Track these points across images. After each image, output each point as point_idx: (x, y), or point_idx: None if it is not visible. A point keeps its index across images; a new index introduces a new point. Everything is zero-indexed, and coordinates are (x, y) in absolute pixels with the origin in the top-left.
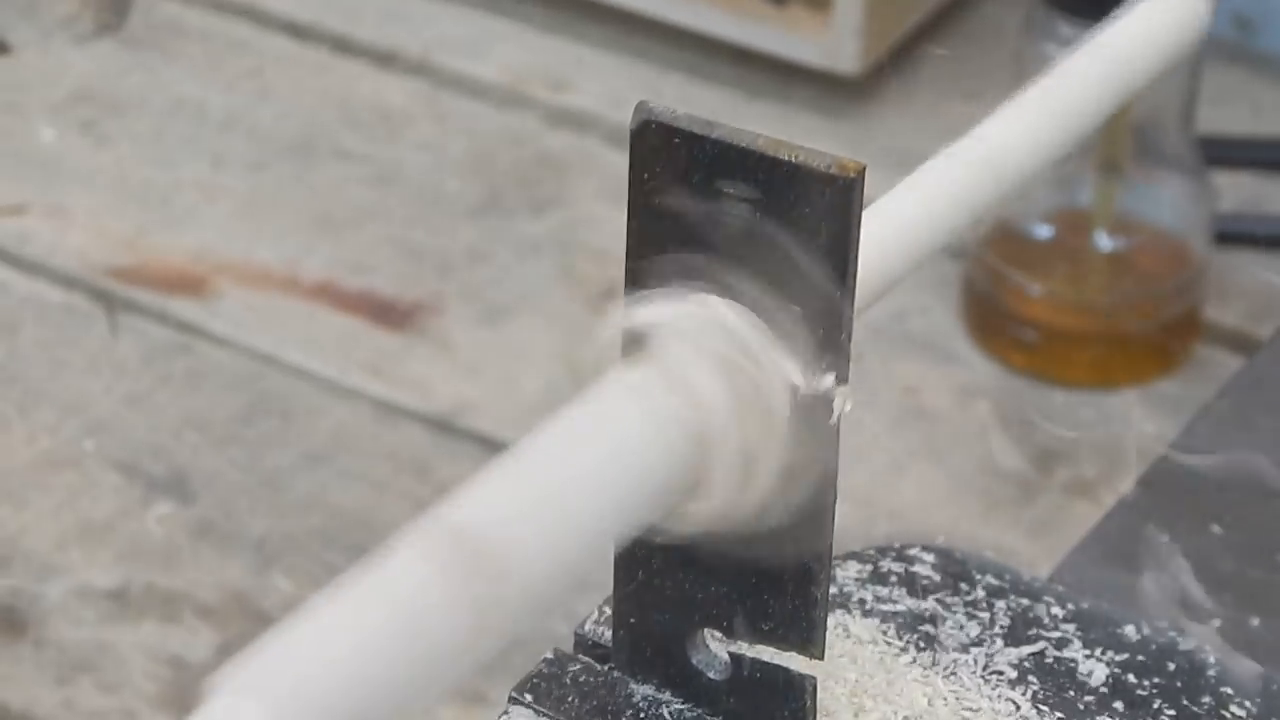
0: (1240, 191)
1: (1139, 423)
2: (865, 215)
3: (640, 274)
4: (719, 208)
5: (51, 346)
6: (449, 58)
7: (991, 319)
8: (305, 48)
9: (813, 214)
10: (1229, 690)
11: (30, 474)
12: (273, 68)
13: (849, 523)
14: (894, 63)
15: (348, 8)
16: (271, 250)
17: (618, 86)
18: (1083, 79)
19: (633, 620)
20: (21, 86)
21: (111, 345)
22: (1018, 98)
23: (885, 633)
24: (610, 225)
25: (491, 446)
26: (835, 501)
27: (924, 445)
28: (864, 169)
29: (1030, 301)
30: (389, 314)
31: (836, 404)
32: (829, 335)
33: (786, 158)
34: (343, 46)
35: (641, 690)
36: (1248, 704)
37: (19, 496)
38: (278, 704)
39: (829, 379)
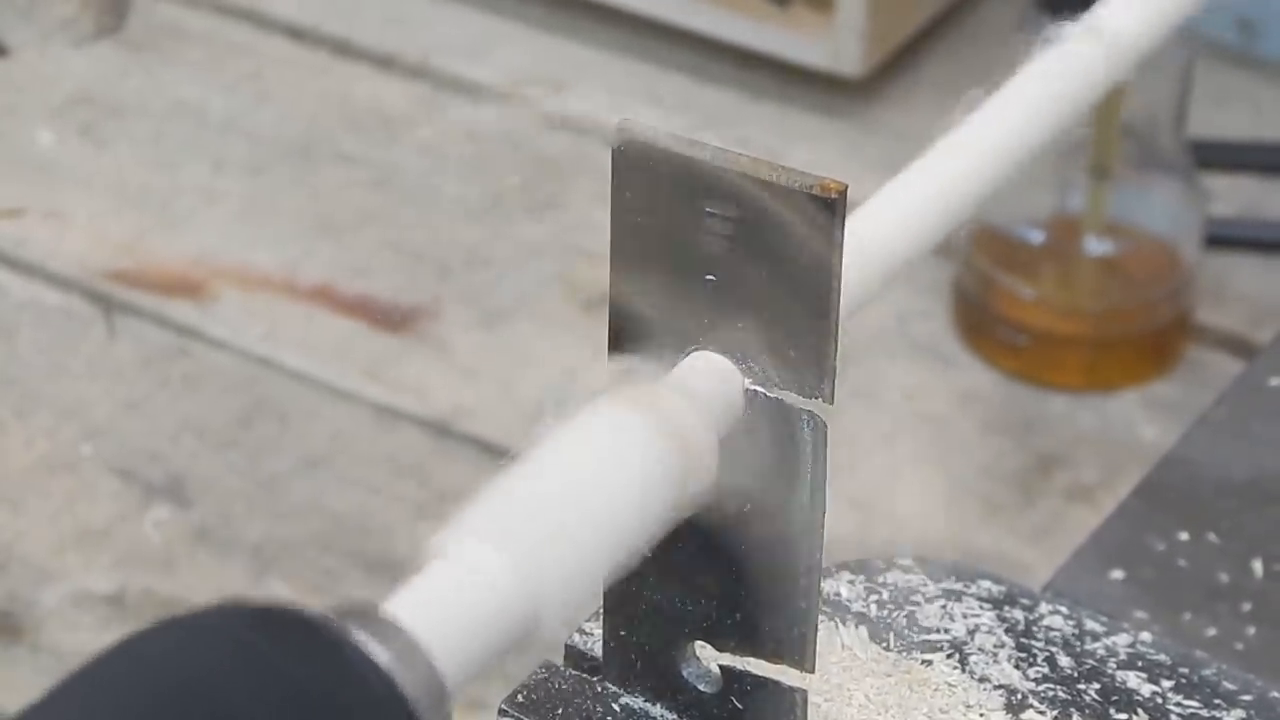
0: (1240, 195)
1: (1138, 427)
2: (849, 222)
3: (624, 291)
4: (702, 226)
5: (49, 350)
6: (449, 60)
7: (983, 323)
8: (305, 50)
9: (795, 233)
10: (1224, 699)
11: (27, 478)
12: (272, 70)
13: (848, 527)
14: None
15: (348, 10)
16: (270, 253)
17: (618, 89)
18: (1052, 83)
19: (623, 633)
20: (20, 89)
21: (109, 349)
22: (995, 98)
23: (877, 643)
24: (609, 229)
25: (490, 451)
26: (825, 515)
27: (923, 450)
28: (845, 189)
29: (1021, 305)
30: (387, 317)
31: (821, 420)
32: (814, 352)
33: (768, 178)
34: (343, 49)
35: (632, 703)
36: (1243, 712)
37: (16, 501)
38: (513, 547)
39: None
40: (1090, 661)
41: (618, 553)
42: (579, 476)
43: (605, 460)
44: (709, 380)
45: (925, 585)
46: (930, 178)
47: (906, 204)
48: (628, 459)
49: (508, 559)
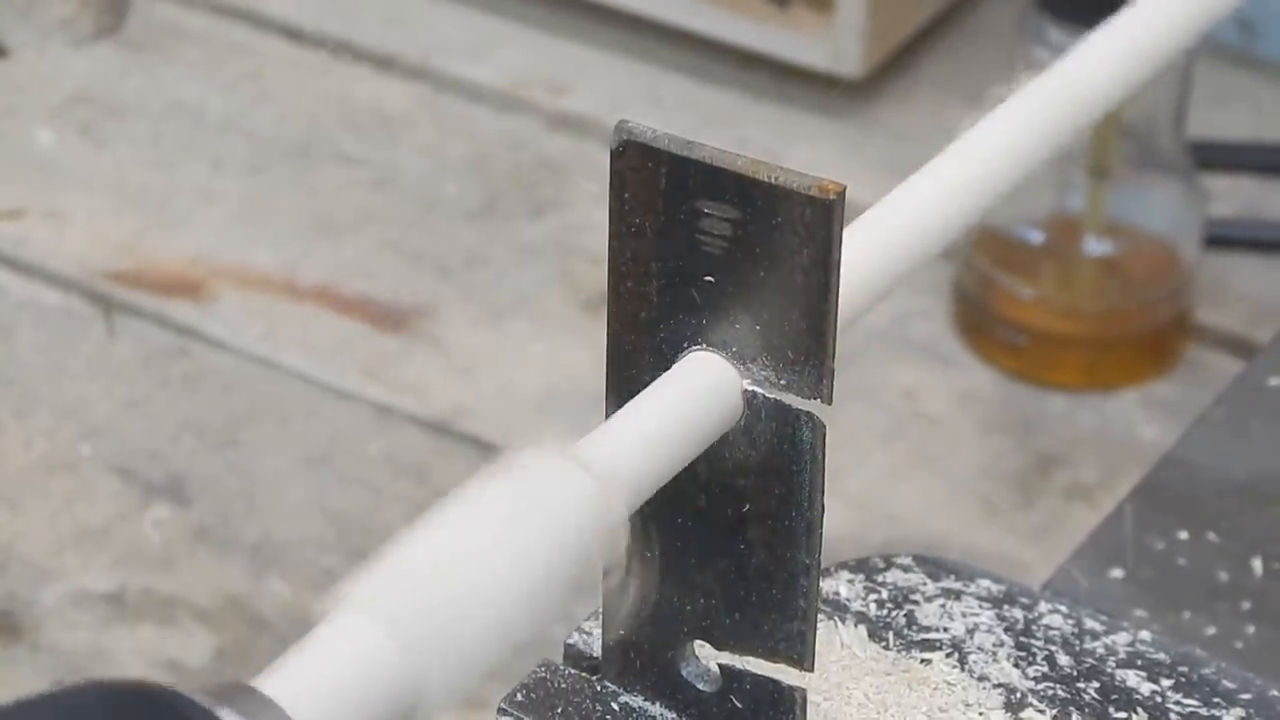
0: (1240, 195)
1: (1138, 427)
2: (854, 227)
3: (623, 291)
4: (700, 227)
5: (49, 350)
6: (449, 61)
7: (982, 323)
8: (304, 51)
9: (793, 234)
10: (1223, 698)
11: (27, 478)
12: (272, 70)
13: (847, 527)
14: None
15: (347, 11)
16: (270, 253)
17: (618, 90)
18: (1042, 102)
19: (622, 632)
20: (19, 89)
21: (109, 348)
22: (1005, 105)
23: (876, 642)
24: (608, 229)
25: (489, 449)
26: (823, 515)
27: (922, 449)
28: (844, 190)
29: (1021, 305)
30: (387, 317)
31: (820, 420)
32: (813, 352)
33: (766, 179)
34: (342, 50)
35: (631, 702)
36: (1242, 710)
37: (15, 501)
38: (396, 622)
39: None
40: (1089, 660)
41: (510, 631)
42: (472, 552)
43: (500, 535)
44: (633, 446)
45: (924, 584)
46: (931, 187)
47: (908, 212)
48: (524, 534)
49: (390, 635)
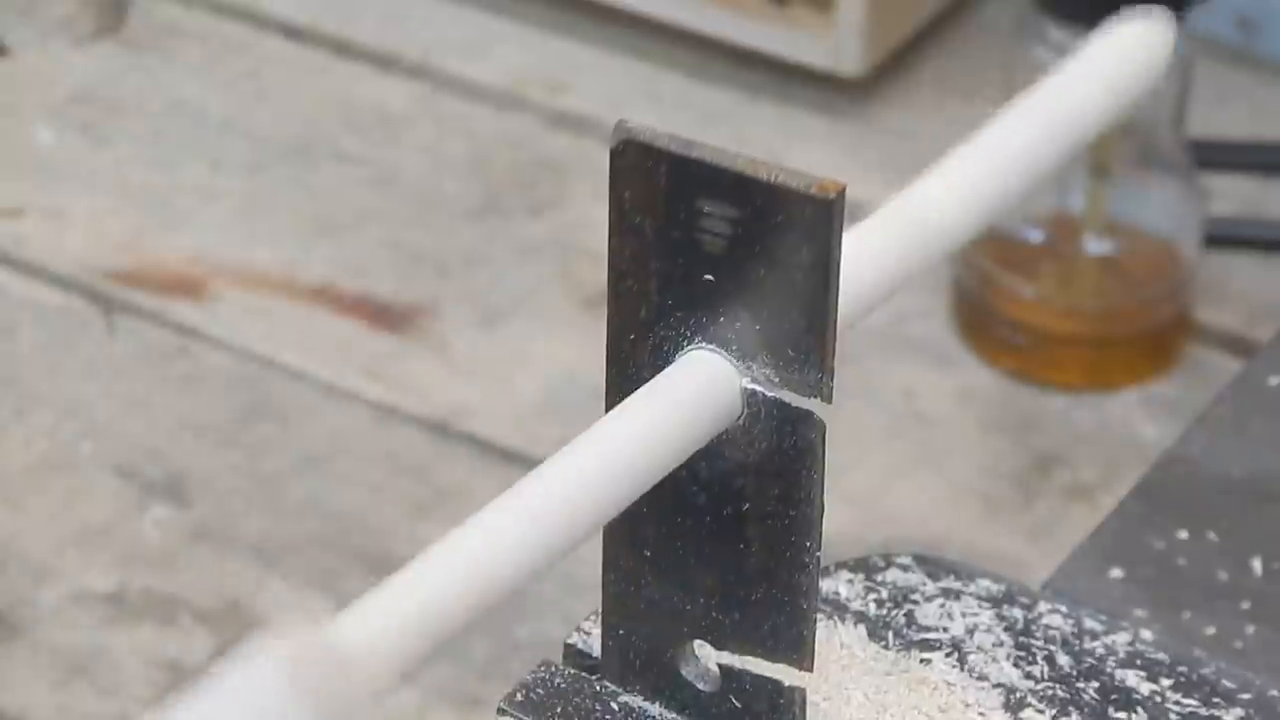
0: (1239, 195)
1: (1138, 426)
2: (857, 228)
3: (622, 291)
4: (700, 226)
5: (49, 349)
6: (448, 60)
7: (982, 322)
8: (304, 49)
9: (793, 234)
10: (1223, 698)
11: (27, 477)
12: (271, 69)
13: (846, 527)
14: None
15: (347, 9)
16: (269, 252)
17: (617, 88)
18: (1055, 104)
19: (622, 632)
20: (20, 88)
21: (109, 348)
22: (1008, 114)
23: (876, 642)
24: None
25: (488, 450)
26: (822, 515)
27: (922, 449)
28: (844, 189)
29: (1020, 304)
30: (387, 316)
31: (819, 419)
32: (813, 351)
33: (766, 178)
34: (342, 48)
35: (631, 701)
36: (1242, 710)
37: (15, 500)
38: None
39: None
40: (1089, 660)
41: None
42: None
43: None
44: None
45: (924, 584)
46: (939, 190)
47: (913, 214)
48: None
49: None
